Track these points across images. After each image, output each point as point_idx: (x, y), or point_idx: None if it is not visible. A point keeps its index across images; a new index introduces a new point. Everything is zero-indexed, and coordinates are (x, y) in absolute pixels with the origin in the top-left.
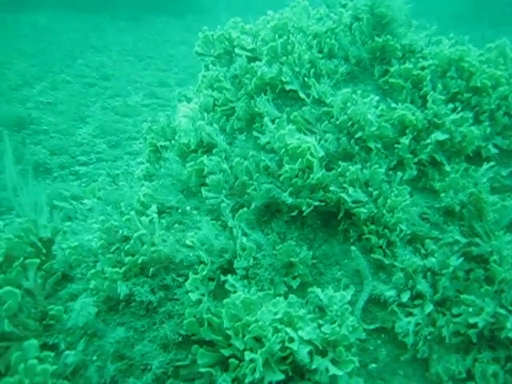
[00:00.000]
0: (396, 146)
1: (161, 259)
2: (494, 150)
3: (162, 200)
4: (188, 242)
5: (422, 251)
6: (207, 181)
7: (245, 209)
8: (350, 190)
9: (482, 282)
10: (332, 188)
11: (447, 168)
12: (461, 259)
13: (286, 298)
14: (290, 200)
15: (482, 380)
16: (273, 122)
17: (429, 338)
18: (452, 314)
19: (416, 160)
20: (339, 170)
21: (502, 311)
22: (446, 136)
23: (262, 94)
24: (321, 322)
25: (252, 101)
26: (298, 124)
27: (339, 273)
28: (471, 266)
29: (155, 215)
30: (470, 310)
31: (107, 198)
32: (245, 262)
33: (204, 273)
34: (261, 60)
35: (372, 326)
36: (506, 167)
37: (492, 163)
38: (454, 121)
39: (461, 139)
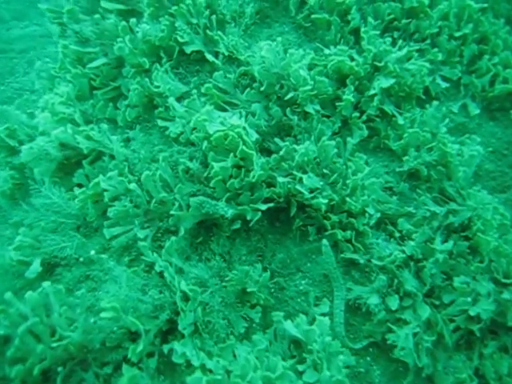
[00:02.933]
0: (338, 103)
1: (72, 353)
2: (444, 84)
3: (50, 250)
4: (104, 315)
5: (397, 234)
6: (109, 213)
7: (172, 237)
8: (305, 178)
9: (467, 256)
10: (279, 180)
11: (400, 121)
12: (450, 243)
13: (247, 337)
14: (230, 212)
15: (499, 383)
16: (179, 100)
17: (429, 345)
18: (443, 303)
19: (364, 118)
20: (281, 152)
21: (506, 296)
22: (391, 81)
23: (157, 65)
24: (300, 367)
25: (145, 77)
26: (214, 98)
27: (303, 282)
28: (453, 238)
29: (47, 284)
30: (469, 299)
31: None
32: (191, 316)
33: (139, 349)
34: (142, 14)
35: (359, 345)
36: (455, 101)
37: (437, 102)
38: (399, 59)
39: (410, 80)
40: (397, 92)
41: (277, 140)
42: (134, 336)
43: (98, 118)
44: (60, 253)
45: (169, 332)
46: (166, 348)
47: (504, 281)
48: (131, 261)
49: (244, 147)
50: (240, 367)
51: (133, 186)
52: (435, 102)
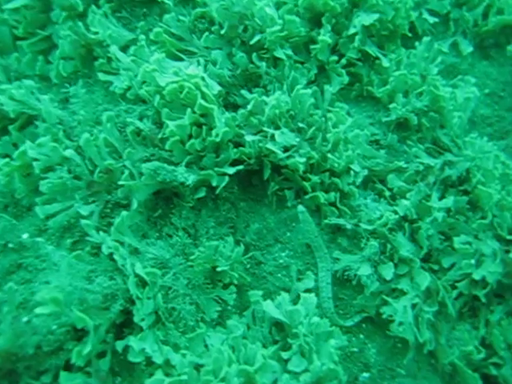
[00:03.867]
0: (313, 46)
1: None
2: (431, 19)
3: None
4: (40, 311)
5: (387, 193)
6: (42, 188)
7: (123, 212)
8: (277, 134)
9: (466, 212)
10: (248, 138)
11: (385, 63)
12: (450, 198)
13: (221, 323)
14: (191, 178)
15: (508, 352)
16: (124, 50)
17: (430, 317)
18: (443, 267)
19: (344, 62)
20: (249, 106)
21: None
22: (374, 16)
23: (93, 7)
24: (284, 355)
25: (78, 22)
26: (166, 45)
27: (283, 255)
28: (450, 193)
29: None
30: (472, 261)
31: None
32: (149, 304)
33: (87, 350)
34: None
35: (350, 322)
36: (444, 39)
37: (428, 38)
38: None
39: (393, 16)
40: (379, 31)
41: (243, 92)
42: (79, 333)
43: (26, 75)
44: None
45: (124, 325)
46: (119, 345)
47: (509, 237)
48: (74, 243)
49: (203, 101)
50: (212, 361)
51: (69, 152)
52: (426, 39)
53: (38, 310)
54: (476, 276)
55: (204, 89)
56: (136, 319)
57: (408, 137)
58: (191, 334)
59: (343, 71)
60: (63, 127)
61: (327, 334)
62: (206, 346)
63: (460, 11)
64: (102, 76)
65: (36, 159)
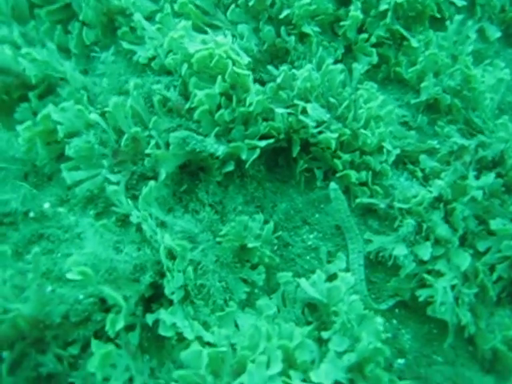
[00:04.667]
0: (342, 23)
1: (22, 331)
2: (459, 3)
3: None
4: (71, 276)
5: (419, 174)
6: (68, 151)
7: (151, 182)
8: (309, 107)
9: (501, 195)
10: (278, 111)
11: (414, 43)
12: (490, 175)
13: (249, 304)
14: (221, 148)
15: None
16: (148, 21)
17: (471, 299)
18: (478, 252)
19: (374, 40)
20: (279, 79)
21: None
22: None
23: None
24: (324, 334)
25: None
26: (191, 17)
27: (312, 237)
28: (484, 175)
29: None
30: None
31: None
32: (180, 278)
33: (119, 326)
34: None
35: (384, 306)
36: (473, 23)
37: (460, 16)
38: None
39: None
40: (406, 12)
41: (270, 68)
42: (107, 304)
43: (44, 45)
44: (2, 208)
45: (152, 299)
46: (150, 319)
47: None
48: (98, 214)
49: (235, 68)
50: (248, 337)
51: (95, 116)
52: (458, 17)
53: (69, 276)
54: None
55: (235, 56)
56: (167, 291)
57: (438, 119)
58: (221, 313)
59: (373, 50)
60: (88, 94)
61: (370, 313)
62: (236, 326)
63: None
64: (125, 45)
65: (60, 123)
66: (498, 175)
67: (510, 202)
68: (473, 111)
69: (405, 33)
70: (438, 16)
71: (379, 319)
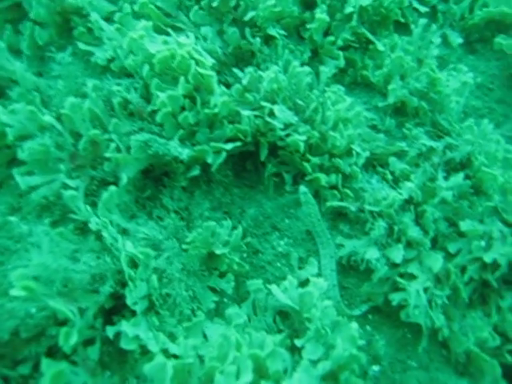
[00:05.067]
0: (308, 26)
1: None
2: (422, 9)
3: None
4: (15, 293)
5: (389, 176)
6: (21, 155)
7: (111, 187)
8: (276, 109)
9: (470, 197)
10: (244, 113)
11: (380, 47)
12: (459, 175)
13: (218, 314)
14: (185, 152)
15: None
16: (107, 21)
17: (444, 301)
18: (449, 253)
19: (340, 43)
20: (245, 81)
21: None
22: None
23: None
24: (298, 342)
25: None
26: (152, 18)
27: (282, 243)
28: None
29: None
30: (482, 243)
31: None
32: (143, 287)
33: (73, 341)
34: None
35: (357, 312)
36: (437, 28)
37: (425, 20)
38: None
39: (386, 1)
40: (371, 16)
41: (235, 71)
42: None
43: None
44: None
45: (113, 311)
46: (110, 331)
47: None
48: (54, 223)
49: (199, 69)
50: (217, 347)
51: (49, 118)
52: (422, 21)
53: (13, 293)
54: (487, 259)
55: (199, 57)
56: (129, 302)
57: (406, 121)
58: (189, 323)
59: (340, 53)
60: (41, 96)
61: (345, 319)
62: (204, 336)
63: (447, 4)
64: (82, 46)
65: (9, 126)
66: (466, 177)
67: (478, 204)
68: (439, 114)
69: (370, 36)
70: (403, 21)
71: (354, 325)
